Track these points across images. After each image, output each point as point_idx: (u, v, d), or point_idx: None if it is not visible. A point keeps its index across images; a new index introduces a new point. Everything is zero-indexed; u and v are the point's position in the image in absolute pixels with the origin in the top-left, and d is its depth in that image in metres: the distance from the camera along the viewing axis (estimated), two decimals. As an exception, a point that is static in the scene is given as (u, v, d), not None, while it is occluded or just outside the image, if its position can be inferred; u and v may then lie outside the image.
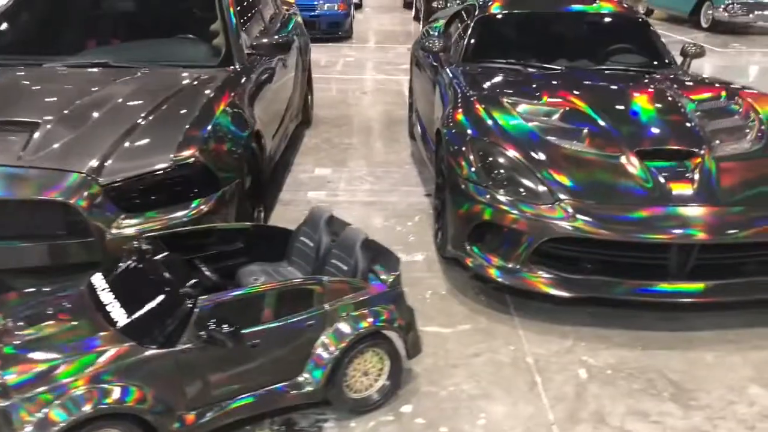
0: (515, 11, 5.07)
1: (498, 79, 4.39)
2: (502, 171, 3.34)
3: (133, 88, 3.69)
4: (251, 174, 3.95)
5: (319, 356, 2.47)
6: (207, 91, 3.73)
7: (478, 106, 3.82)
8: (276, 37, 4.49)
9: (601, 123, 3.62)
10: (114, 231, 2.95)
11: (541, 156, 3.36)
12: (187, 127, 3.33)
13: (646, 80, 4.40)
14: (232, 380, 2.34)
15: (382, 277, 2.67)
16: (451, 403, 2.71)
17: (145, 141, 3.23)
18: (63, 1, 4.54)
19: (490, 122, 3.64)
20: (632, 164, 3.30)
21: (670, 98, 3.98)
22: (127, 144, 3.17)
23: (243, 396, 2.38)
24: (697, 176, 3.25)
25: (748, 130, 3.62)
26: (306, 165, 5.52)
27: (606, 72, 4.58)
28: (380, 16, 16.18)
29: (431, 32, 5.99)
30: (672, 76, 4.53)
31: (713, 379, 2.89)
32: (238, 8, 4.64)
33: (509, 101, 3.86)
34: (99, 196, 2.96)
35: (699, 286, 3.16)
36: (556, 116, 3.73)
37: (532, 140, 3.48)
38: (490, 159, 3.40)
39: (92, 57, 4.10)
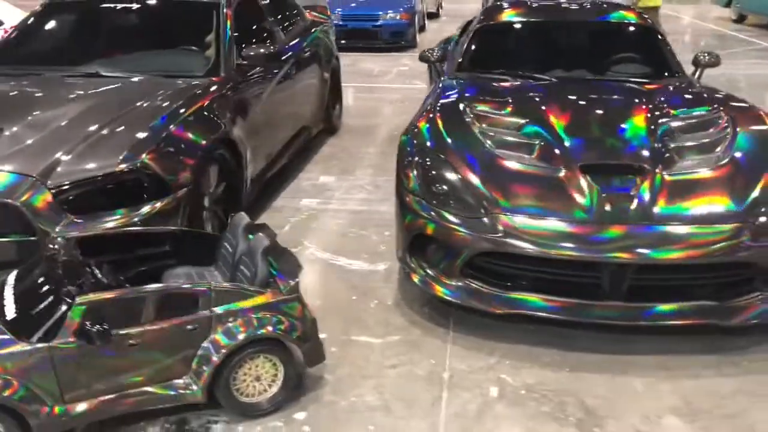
0: (515, 20, 4.99)
1: (476, 89, 4.32)
2: (442, 185, 3.29)
3: (107, 97, 3.92)
4: (225, 180, 4.10)
5: (202, 359, 2.55)
6: (178, 100, 3.89)
7: (438, 117, 3.79)
8: (264, 48, 4.59)
9: (558, 136, 3.50)
10: (59, 231, 3.13)
11: (484, 170, 3.29)
12: (142, 134, 3.49)
13: (635, 92, 4.21)
14: (111, 377, 2.45)
15: (281, 285, 2.71)
16: (347, 414, 2.72)
17: (99, 146, 3.40)
18: (71, 16, 4.85)
19: (444, 134, 3.61)
20: (574, 179, 3.18)
21: (645, 112, 3.78)
22: (80, 148, 3.36)
23: (123, 392, 2.48)
24: (639, 194, 3.09)
25: (716, 150, 3.40)
26: (313, 173, 5.61)
27: (597, 83, 4.42)
28: (454, 26, 16.11)
29: (446, 44, 5.97)
30: (669, 87, 4.32)
31: (631, 407, 2.75)
32: (241, 21, 4.82)
33: (474, 113, 3.80)
34: (46, 199, 3.16)
35: (633, 307, 3.01)
36: (515, 129, 3.65)
37: (479, 154, 3.42)
38: (433, 172, 3.37)
39: (87, 67, 4.35)
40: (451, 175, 3.31)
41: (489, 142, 3.51)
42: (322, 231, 4.43)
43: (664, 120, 3.67)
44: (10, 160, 3.26)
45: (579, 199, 3.09)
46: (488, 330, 3.26)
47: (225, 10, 4.72)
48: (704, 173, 3.23)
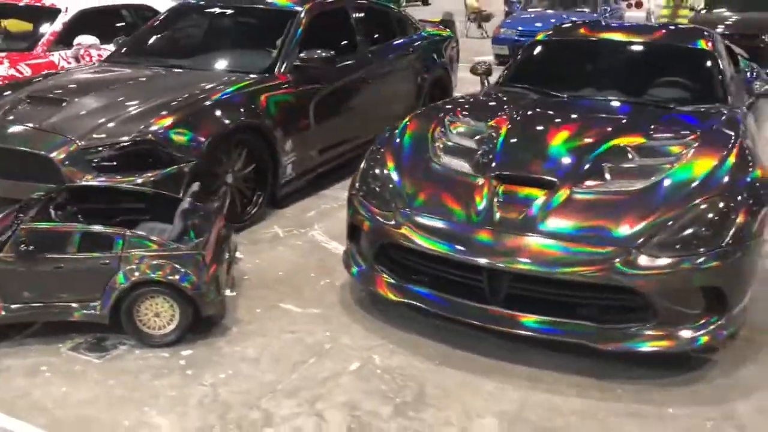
0: (566, 38, 5.02)
1: (485, 100, 4.50)
2: (374, 181, 3.62)
3: (165, 84, 4.75)
4: (254, 163, 4.75)
5: (109, 288, 3.18)
6: (212, 90, 4.60)
7: (413, 119, 4.08)
8: (320, 52, 5.14)
9: (496, 147, 3.63)
10: (82, 182, 3.99)
11: (409, 171, 3.55)
12: (165, 112, 4.26)
13: (628, 113, 4.10)
14: (42, 289, 3.18)
15: (189, 245, 3.27)
16: (221, 358, 3.19)
17: (132, 120, 4.21)
18: (183, 18, 5.87)
19: (403, 136, 3.90)
20: (484, 187, 3.32)
21: (605, 132, 3.72)
22: (117, 120, 4.20)
23: (50, 303, 3.21)
24: (533, 206, 3.16)
25: (651, 177, 3.29)
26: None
27: (604, 103, 4.34)
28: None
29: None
30: (679, 113, 4.11)
31: (463, 403, 2.88)
32: (320, 29, 5.45)
33: (449, 120, 4.03)
34: (75, 155, 4.03)
35: (510, 315, 3.10)
36: (471, 137, 3.82)
37: (416, 156, 3.67)
38: (371, 169, 3.70)
39: (176, 62, 5.25)
40: (380, 172, 3.62)
41: (438, 144, 3.73)
42: (336, 219, 4.87)
43: (620, 142, 3.60)
44: (59, 124, 4.19)
45: (476, 205, 3.24)
46: (400, 320, 3.50)
47: (301, 18, 5.38)
48: (613, 196, 3.18)
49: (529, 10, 14.39)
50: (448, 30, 7.72)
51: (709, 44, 4.67)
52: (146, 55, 5.49)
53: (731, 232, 2.98)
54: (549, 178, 3.31)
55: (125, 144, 4.08)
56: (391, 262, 3.47)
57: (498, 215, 3.16)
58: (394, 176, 3.55)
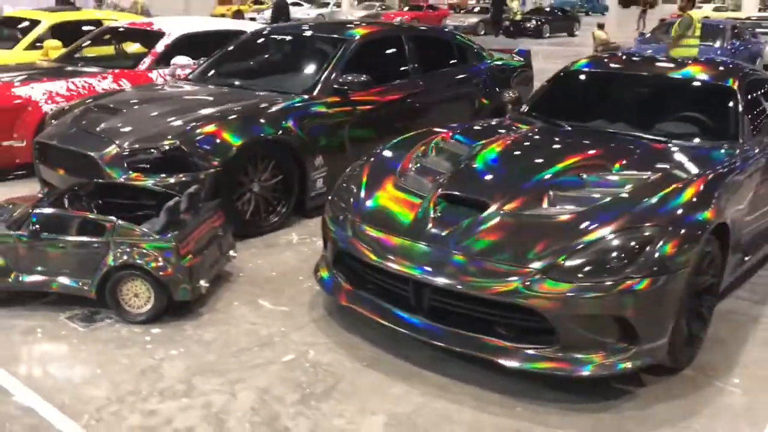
0: (588, 70, 5.06)
1: (489, 127, 4.69)
2: (343, 191, 3.93)
3: (210, 101, 5.33)
4: (281, 175, 5.20)
5: (98, 269, 3.73)
6: (253, 105, 5.14)
7: (407, 137, 4.38)
8: (358, 76, 5.53)
9: (459, 167, 3.83)
10: (121, 179, 4.63)
11: (374, 184, 3.83)
12: (194, 124, 4.83)
13: (623, 146, 4.11)
14: (47, 264, 3.79)
15: (168, 235, 3.75)
16: (180, 337, 3.62)
17: (167, 130, 4.82)
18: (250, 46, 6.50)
19: (388, 150, 4.20)
20: (430, 203, 3.53)
21: (568, 159, 3.80)
22: (155, 129, 4.83)
23: (53, 277, 3.80)
24: (463, 224, 3.33)
25: (589, 204, 3.35)
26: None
27: (597, 134, 4.36)
28: None
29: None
30: (667, 149, 4.07)
31: (363, 401, 3.11)
32: (369, 55, 5.87)
33: (441, 142, 4.27)
34: (117, 158, 4.69)
35: (431, 326, 3.28)
36: (448, 158, 4.02)
37: (388, 170, 3.94)
38: (348, 181, 4.01)
39: (234, 81, 5.87)
40: (351, 185, 3.92)
41: (413, 164, 3.98)
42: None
43: (579, 170, 3.67)
44: (108, 130, 4.88)
45: (415, 220, 3.46)
46: (356, 324, 3.74)
47: (350, 45, 5.82)
48: (539, 220, 3.28)
49: (650, 44, 13.98)
50: (522, 59, 7.83)
51: (736, 82, 4.53)
52: (213, 75, 6.14)
53: (644, 264, 3.00)
54: (483, 199, 3.46)
55: (156, 151, 4.68)
56: (348, 269, 3.75)
57: (431, 231, 3.37)
58: (361, 190, 3.84)
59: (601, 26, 17.37)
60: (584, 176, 3.62)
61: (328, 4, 35.12)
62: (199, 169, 4.71)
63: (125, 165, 4.68)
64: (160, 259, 3.68)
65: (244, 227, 5.01)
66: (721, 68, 4.78)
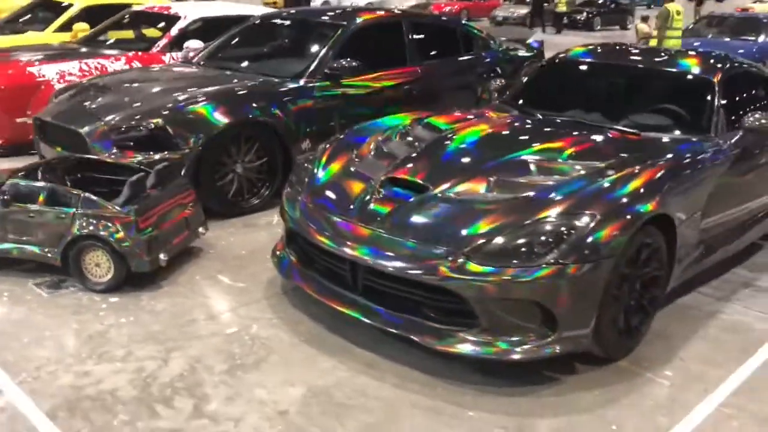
0: (572, 61, 5.01)
1: (462, 114, 4.68)
2: (302, 170, 4.02)
3: (202, 81, 5.47)
4: (266, 157, 5.32)
5: (63, 238, 3.91)
6: (234, 87, 5.28)
7: (376, 124, 4.45)
8: (349, 61, 5.61)
9: (415, 152, 3.88)
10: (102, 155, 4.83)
11: (331, 164, 3.91)
12: (178, 103, 4.98)
13: (586, 135, 4.07)
14: (19, 232, 3.99)
15: (127, 209, 3.90)
16: (135, 307, 3.77)
17: (153, 107, 4.99)
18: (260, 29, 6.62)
19: (356, 133, 4.30)
20: (374, 185, 3.59)
21: (530, 147, 3.79)
22: (142, 107, 5.00)
23: (24, 245, 4.00)
24: (400, 205, 3.38)
25: (529, 190, 3.36)
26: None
27: (574, 125, 4.31)
28: None
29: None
30: (630, 141, 4.03)
31: (290, 371, 3.20)
32: (362, 42, 5.94)
33: (411, 127, 4.33)
34: (101, 133, 4.88)
35: (364, 305, 3.35)
36: (412, 142, 4.09)
37: (346, 152, 4.02)
38: (309, 161, 4.09)
39: (229, 65, 6.02)
40: (310, 165, 4.01)
41: (373, 147, 4.04)
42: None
43: (530, 158, 3.67)
44: (97, 107, 5.08)
45: (358, 200, 3.52)
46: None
47: (345, 31, 5.89)
48: (475, 204, 3.30)
49: (697, 37, 13.60)
50: (534, 51, 7.77)
51: (717, 75, 4.43)
52: (214, 58, 6.29)
53: (565, 252, 3.00)
54: (424, 183, 3.50)
55: (141, 129, 4.86)
56: (300, 249, 3.84)
57: (368, 212, 3.43)
58: (316, 170, 3.93)
59: (644, 19, 16.95)
60: (532, 163, 3.62)
61: (376, -6, 35.09)
62: (180, 148, 4.86)
63: (111, 142, 4.87)
64: (115, 230, 3.84)
65: (225, 207, 5.16)
66: (704, 60, 4.67)
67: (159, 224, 4.03)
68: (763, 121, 4.13)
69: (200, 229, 4.45)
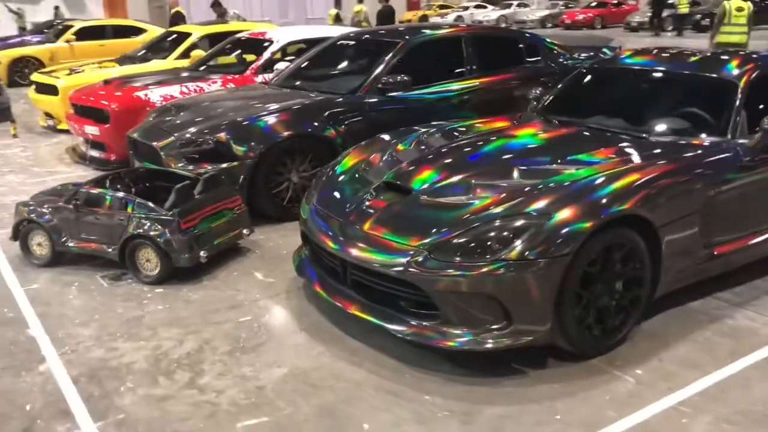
0: (603, 68, 5.08)
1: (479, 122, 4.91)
2: (322, 173, 4.45)
3: (264, 100, 6.05)
4: (317, 167, 5.79)
5: (120, 238, 4.56)
6: (296, 104, 5.81)
7: (393, 133, 4.79)
8: (401, 77, 5.97)
9: (414, 158, 4.17)
10: (175, 167, 5.51)
11: (348, 172, 4.29)
12: (237, 120, 5.58)
13: (591, 142, 4.16)
14: (85, 232, 4.69)
15: (171, 212, 4.49)
16: (174, 296, 4.34)
17: (219, 124, 5.62)
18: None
19: (368, 144, 4.66)
20: (369, 188, 3.92)
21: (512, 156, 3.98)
22: (209, 124, 5.65)
23: (89, 243, 4.70)
24: (388, 206, 3.69)
25: (503, 192, 3.55)
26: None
27: (587, 130, 4.42)
28: None
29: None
30: (636, 144, 4.08)
31: (283, 356, 3.60)
32: (421, 59, 6.31)
33: (425, 135, 4.64)
34: (171, 147, 5.57)
35: (352, 296, 3.69)
36: (420, 149, 4.39)
37: (362, 157, 4.40)
38: (329, 166, 4.50)
39: (303, 84, 6.57)
40: (329, 169, 4.43)
41: (385, 154, 4.37)
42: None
43: (519, 162, 3.87)
44: (172, 124, 5.79)
45: (354, 202, 3.87)
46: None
47: (397, 48, 6.27)
48: (450, 204, 3.54)
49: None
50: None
51: (742, 77, 4.35)
52: (289, 78, 6.87)
53: (519, 249, 3.18)
54: (408, 185, 3.79)
55: (201, 142, 5.50)
56: (310, 248, 4.24)
57: (359, 211, 3.77)
58: (330, 175, 4.33)
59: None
60: (516, 167, 3.80)
61: (511, 4, 35.08)
62: (237, 159, 5.44)
63: (180, 155, 5.54)
64: (161, 230, 4.43)
65: (281, 212, 5.67)
66: (728, 62, 4.57)
67: (201, 226, 4.59)
68: (776, 125, 4.02)
69: (245, 231, 4.97)
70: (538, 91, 5.48)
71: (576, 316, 3.34)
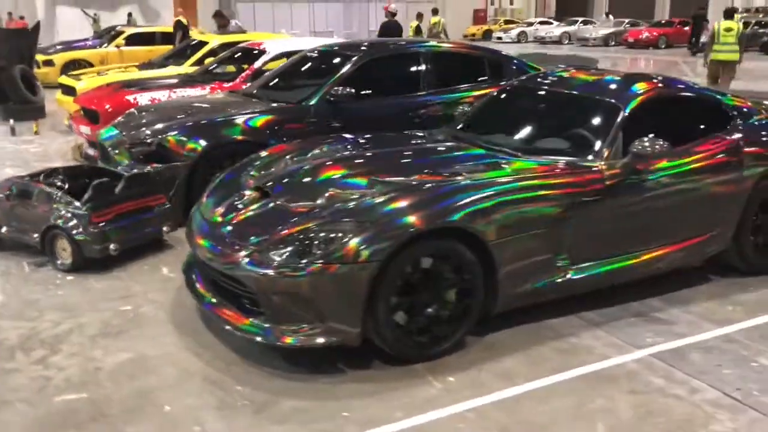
0: (521, 87, 5.20)
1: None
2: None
3: (211, 106, 6.41)
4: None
5: (42, 227, 4.97)
6: (244, 111, 6.14)
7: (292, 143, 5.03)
8: (348, 89, 6.19)
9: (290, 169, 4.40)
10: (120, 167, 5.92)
11: (226, 180, 4.55)
12: (185, 124, 5.95)
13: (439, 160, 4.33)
14: (18, 221, 5.13)
15: (84, 207, 4.87)
16: (79, 284, 4.70)
17: (166, 127, 5.99)
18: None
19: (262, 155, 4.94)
20: (236, 195, 4.18)
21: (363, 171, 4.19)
22: (152, 126, 6.05)
23: (19, 230, 5.13)
24: (245, 212, 3.93)
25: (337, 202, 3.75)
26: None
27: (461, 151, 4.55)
28: None
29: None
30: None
31: (137, 340, 3.90)
32: (369, 72, 6.54)
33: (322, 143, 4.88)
34: (121, 146, 6.00)
35: (205, 296, 3.95)
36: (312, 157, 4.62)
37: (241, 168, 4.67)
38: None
39: (260, 92, 6.91)
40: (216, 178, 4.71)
41: (284, 159, 4.62)
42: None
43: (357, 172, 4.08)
44: (129, 125, 6.22)
45: (223, 205, 4.12)
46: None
47: (353, 62, 6.51)
48: (288, 210, 3.76)
49: None
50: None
51: (634, 99, 4.40)
52: (257, 88, 7.21)
53: (329, 254, 3.37)
54: (267, 190, 4.03)
55: (142, 144, 5.90)
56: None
57: (220, 215, 4.02)
58: (223, 178, 4.61)
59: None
60: (374, 179, 3.96)
61: (576, 21, 34.67)
62: (176, 161, 5.80)
63: (130, 155, 5.95)
64: (73, 222, 4.81)
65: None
66: (628, 85, 4.61)
67: (116, 220, 4.95)
68: (647, 145, 4.06)
69: (165, 228, 5.30)
70: (462, 109, 5.62)
71: (393, 322, 3.49)
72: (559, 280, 3.99)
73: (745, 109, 4.88)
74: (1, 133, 10.35)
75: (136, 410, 3.25)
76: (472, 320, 3.76)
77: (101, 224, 4.88)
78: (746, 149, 4.55)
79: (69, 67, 16.61)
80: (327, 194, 3.84)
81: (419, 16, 17.94)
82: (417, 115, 6.64)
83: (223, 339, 3.90)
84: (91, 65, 16.43)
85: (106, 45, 17.35)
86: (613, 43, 31.46)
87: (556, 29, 34.23)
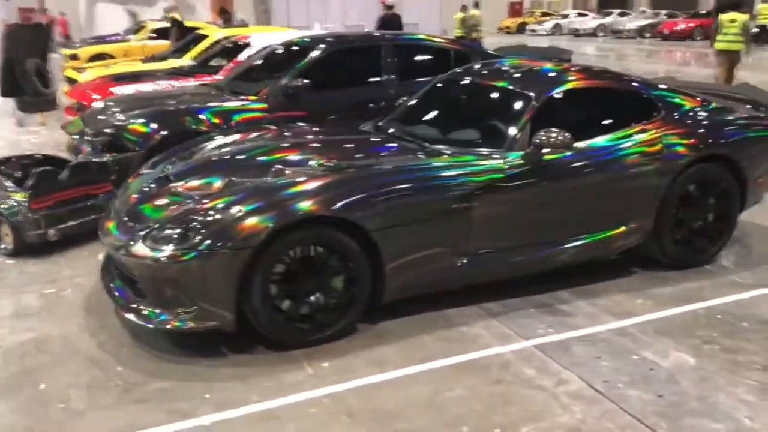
0: (450, 80, 5.20)
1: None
2: None
3: (169, 96, 6.58)
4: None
5: None
6: (195, 103, 6.29)
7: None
8: (303, 80, 6.29)
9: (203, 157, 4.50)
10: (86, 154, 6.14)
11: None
12: (145, 112, 6.14)
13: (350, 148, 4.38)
14: (-29, 208, 5.39)
15: (24, 193, 5.08)
16: (17, 267, 4.91)
17: (133, 116, 6.18)
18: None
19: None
20: (153, 180, 4.31)
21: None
22: (113, 118, 6.25)
23: (-26, 217, 5.39)
24: (147, 197, 4.05)
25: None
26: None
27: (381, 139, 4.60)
28: None
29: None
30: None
31: (58, 322, 4.07)
32: (330, 65, 6.62)
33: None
34: (83, 137, 6.22)
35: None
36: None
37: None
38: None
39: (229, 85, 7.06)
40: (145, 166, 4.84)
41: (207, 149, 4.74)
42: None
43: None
44: (94, 116, 6.42)
45: (137, 192, 4.26)
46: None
47: (313, 54, 6.61)
48: (183, 197, 3.86)
49: None
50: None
51: (547, 90, 4.39)
52: (226, 80, 7.36)
53: (199, 240, 3.47)
54: (169, 177, 4.16)
55: (102, 134, 6.10)
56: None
57: (136, 199, 4.16)
58: (145, 168, 4.75)
59: None
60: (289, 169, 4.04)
61: (611, 13, 34.00)
62: (130, 150, 5.99)
63: (89, 144, 6.17)
64: (13, 208, 5.02)
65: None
66: (548, 76, 4.58)
67: (57, 207, 5.15)
68: (549, 136, 4.03)
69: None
70: (401, 101, 5.63)
71: (270, 307, 3.57)
72: (453, 271, 4.00)
73: (676, 101, 4.79)
74: (9, 123, 10.75)
75: (14, 387, 3.41)
76: (359, 309, 3.81)
77: (41, 210, 5.08)
78: (666, 141, 4.48)
79: (94, 61, 17.16)
80: (218, 183, 3.94)
81: (464, 8, 18.25)
82: (377, 106, 6.68)
83: (129, 323, 4.03)
84: (114, 59, 16.94)
85: (130, 39, 17.80)
86: (648, 35, 30.74)
87: (591, 21, 33.63)
